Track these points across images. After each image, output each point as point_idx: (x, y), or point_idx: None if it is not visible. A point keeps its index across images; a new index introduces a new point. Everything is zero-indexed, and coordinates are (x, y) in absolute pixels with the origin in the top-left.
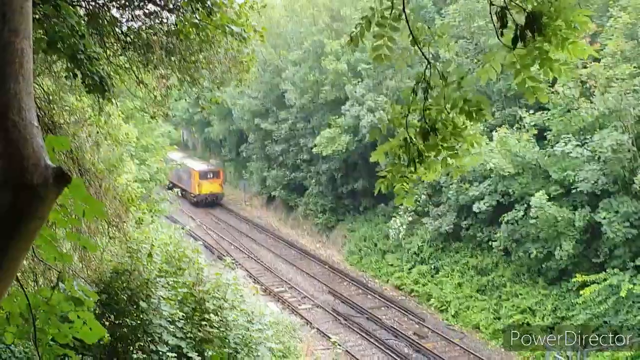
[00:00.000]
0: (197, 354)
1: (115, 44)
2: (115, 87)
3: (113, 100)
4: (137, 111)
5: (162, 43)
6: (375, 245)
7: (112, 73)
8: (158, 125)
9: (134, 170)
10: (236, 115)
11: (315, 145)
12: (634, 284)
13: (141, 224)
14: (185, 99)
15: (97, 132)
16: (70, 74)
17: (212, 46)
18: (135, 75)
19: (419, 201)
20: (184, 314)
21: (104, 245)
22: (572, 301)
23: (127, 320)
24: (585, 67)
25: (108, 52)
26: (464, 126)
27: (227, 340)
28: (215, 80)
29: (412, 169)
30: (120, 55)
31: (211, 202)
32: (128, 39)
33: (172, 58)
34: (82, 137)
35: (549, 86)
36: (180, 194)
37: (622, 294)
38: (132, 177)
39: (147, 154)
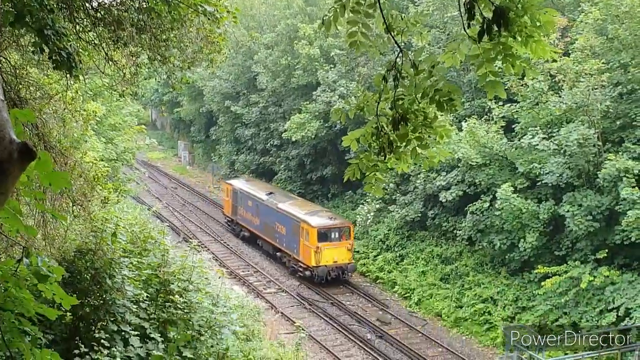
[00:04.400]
0: (159, 335)
1: (85, 20)
2: (83, 64)
3: (81, 77)
4: (106, 89)
5: (133, 20)
6: None
7: (80, 49)
8: (126, 104)
9: (101, 149)
10: (206, 97)
11: (285, 130)
12: (594, 277)
13: (107, 203)
14: (155, 78)
15: (64, 109)
16: (38, 49)
17: (184, 25)
18: (105, 52)
19: (387, 189)
20: (148, 295)
21: (68, 224)
22: (533, 292)
23: (90, 299)
24: (554, 61)
25: (77, 27)
26: (434, 117)
27: (190, 323)
28: (186, 60)
29: (383, 158)
30: (90, 31)
31: (336, 279)
32: (98, 14)
33: (143, 36)
34: (48, 113)
35: (519, 79)
36: (271, 255)
37: (583, 286)
38: (98, 156)
39: (115, 132)
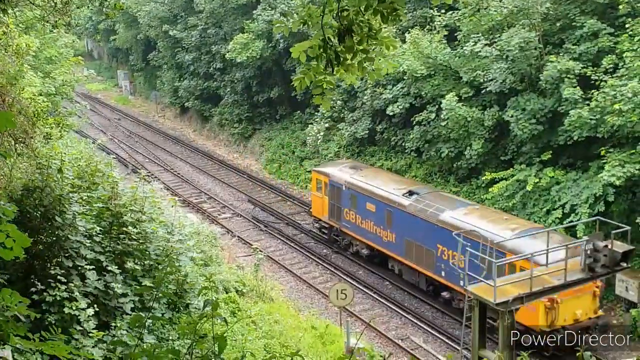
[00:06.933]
0: (117, 266)
1: None
2: None
3: (9, 11)
4: (38, 21)
5: None
6: (293, 152)
7: None
8: (60, 36)
9: (38, 84)
10: (143, 22)
11: (228, 51)
12: (540, 178)
13: (50, 139)
14: (88, 6)
15: None
16: None
17: None
18: None
19: (334, 107)
20: (102, 229)
21: (12, 162)
22: (482, 197)
23: (42, 237)
24: None
25: None
26: (379, 28)
27: (147, 252)
28: None
29: (331, 70)
30: None
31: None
32: None
33: None
34: None
35: None
36: (425, 291)
37: (529, 188)
38: (36, 91)
39: (51, 66)
